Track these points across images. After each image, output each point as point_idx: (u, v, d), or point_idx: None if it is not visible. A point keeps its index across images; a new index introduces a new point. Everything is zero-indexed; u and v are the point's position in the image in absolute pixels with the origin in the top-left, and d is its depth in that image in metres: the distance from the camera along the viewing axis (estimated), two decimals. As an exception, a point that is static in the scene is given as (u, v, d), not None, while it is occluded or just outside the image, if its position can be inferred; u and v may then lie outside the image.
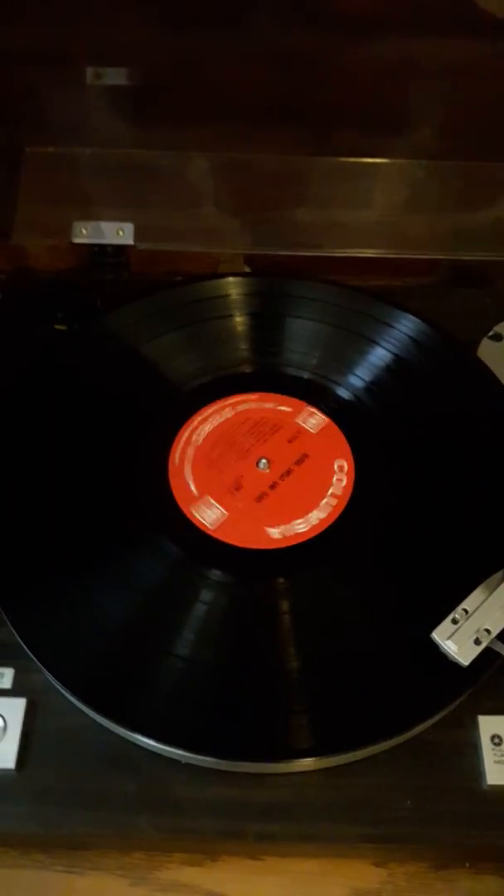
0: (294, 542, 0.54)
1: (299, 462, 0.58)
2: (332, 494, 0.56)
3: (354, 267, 0.73)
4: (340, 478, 0.57)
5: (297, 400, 0.62)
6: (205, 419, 0.60)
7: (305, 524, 0.55)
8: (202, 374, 0.63)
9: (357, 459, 0.58)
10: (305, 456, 0.59)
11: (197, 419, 0.60)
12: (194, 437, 0.59)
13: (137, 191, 0.74)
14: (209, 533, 0.55)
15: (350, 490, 0.57)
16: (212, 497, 0.56)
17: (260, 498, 0.56)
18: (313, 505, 0.56)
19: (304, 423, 0.60)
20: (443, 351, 0.63)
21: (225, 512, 0.56)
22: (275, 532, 0.55)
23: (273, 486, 0.57)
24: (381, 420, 0.60)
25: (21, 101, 0.70)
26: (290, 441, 0.59)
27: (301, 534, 0.55)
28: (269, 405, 0.61)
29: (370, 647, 0.50)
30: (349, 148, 0.73)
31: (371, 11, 0.63)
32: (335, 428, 0.60)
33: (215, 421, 0.60)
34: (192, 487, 0.57)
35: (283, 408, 0.61)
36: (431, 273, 0.74)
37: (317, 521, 0.55)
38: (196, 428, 0.60)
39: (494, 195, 0.74)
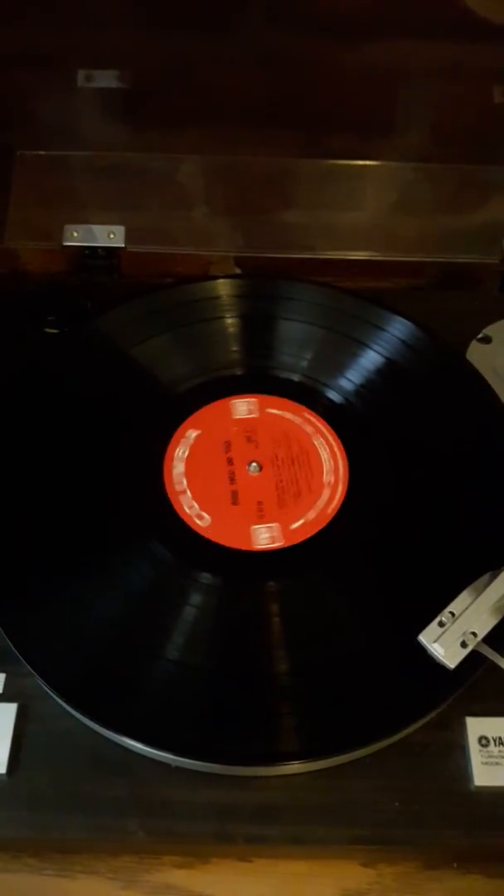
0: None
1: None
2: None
3: (344, 269, 0.73)
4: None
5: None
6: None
7: (296, 527, 0.55)
8: (193, 376, 0.63)
9: (348, 462, 0.58)
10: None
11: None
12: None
13: (128, 193, 0.74)
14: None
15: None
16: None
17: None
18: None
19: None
20: (432, 354, 0.63)
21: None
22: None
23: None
24: (372, 422, 0.60)
25: (12, 104, 0.70)
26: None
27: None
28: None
29: (358, 650, 0.50)
30: (339, 150, 0.73)
31: (361, 14, 0.63)
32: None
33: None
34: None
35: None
36: (421, 275, 0.75)
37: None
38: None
39: (484, 198, 0.74)
